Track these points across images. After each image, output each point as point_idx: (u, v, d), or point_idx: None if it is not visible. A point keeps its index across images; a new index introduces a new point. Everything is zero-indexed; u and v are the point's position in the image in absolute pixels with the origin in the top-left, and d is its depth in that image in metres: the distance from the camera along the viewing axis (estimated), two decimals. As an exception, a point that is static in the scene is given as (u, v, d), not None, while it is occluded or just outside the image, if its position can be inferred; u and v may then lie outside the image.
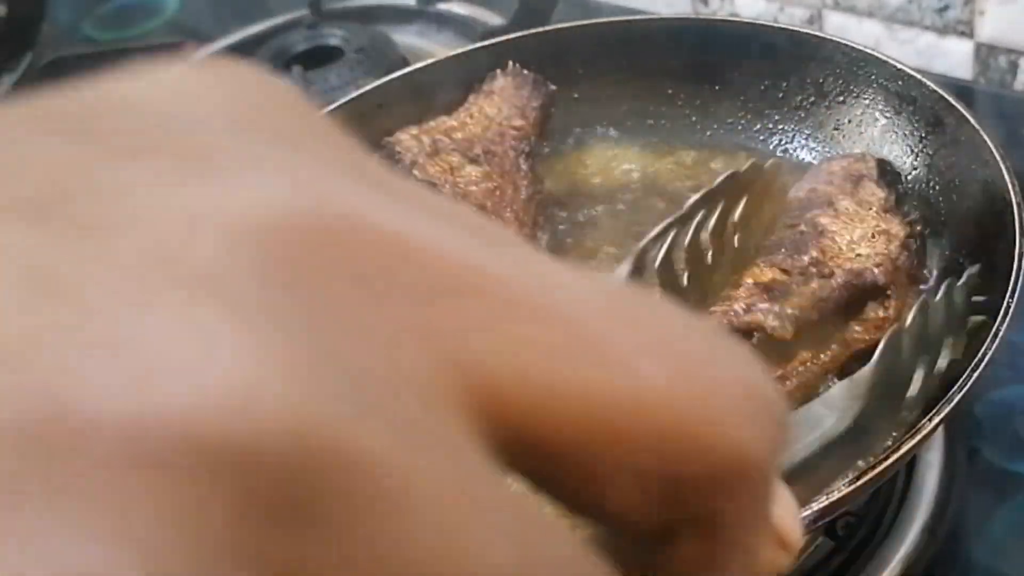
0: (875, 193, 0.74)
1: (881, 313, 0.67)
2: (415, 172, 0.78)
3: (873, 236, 0.69)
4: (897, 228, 0.70)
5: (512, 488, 0.15)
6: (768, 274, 0.66)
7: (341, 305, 0.13)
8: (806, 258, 0.67)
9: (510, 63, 0.89)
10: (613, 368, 0.16)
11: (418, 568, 0.13)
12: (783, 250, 0.68)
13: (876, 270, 0.67)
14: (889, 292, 0.67)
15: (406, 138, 0.82)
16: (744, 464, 0.17)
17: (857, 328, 0.67)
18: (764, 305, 0.64)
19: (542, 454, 0.16)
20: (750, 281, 0.66)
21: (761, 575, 0.22)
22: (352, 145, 0.17)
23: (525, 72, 0.88)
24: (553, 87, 0.90)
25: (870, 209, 0.72)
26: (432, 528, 0.13)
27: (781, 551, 0.22)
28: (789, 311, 0.65)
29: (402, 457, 0.13)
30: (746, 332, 0.64)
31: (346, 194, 0.14)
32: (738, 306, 0.65)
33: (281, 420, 0.12)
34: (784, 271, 0.66)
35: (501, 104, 0.85)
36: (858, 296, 0.67)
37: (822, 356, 0.66)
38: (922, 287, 0.70)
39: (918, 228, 0.72)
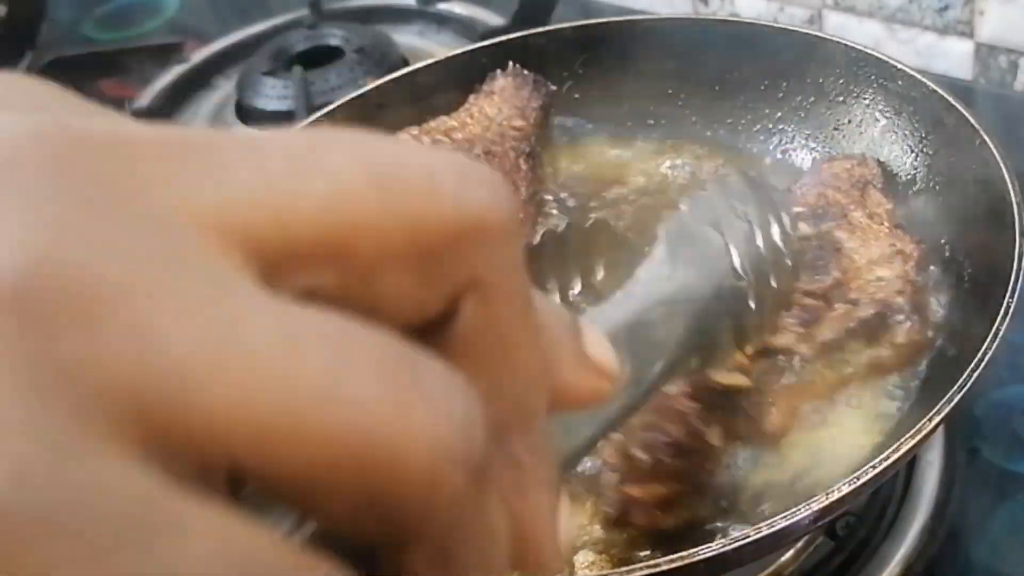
0: (882, 203, 0.74)
1: (910, 336, 0.68)
2: None
3: (891, 257, 0.70)
4: (911, 247, 0.71)
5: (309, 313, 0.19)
6: (802, 296, 0.66)
7: (95, 189, 0.18)
8: (828, 279, 0.68)
9: (510, 63, 0.88)
10: (323, 179, 0.20)
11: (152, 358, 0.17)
12: (805, 269, 0.68)
13: (900, 299, 0.67)
14: (915, 316, 0.68)
15: (407, 139, 0.82)
16: (473, 218, 0.21)
17: (886, 352, 0.68)
18: (797, 330, 0.65)
19: (310, 265, 0.20)
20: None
21: (587, 401, 0.27)
22: (67, 95, 0.22)
23: (525, 72, 0.88)
24: (553, 87, 0.90)
25: (882, 224, 0.72)
26: (152, 327, 0.17)
27: (601, 378, 0.27)
28: (816, 340, 0.66)
29: (120, 274, 0.17)
30: (774, 352, 0.65)
31: (74, 120, 0.19)
32: None
33: (16, 258, 0.16)
34: (808, 292, 0.67)
35: (501, 104, 0.85)
36: (886, 321, 0.68)
37: (852, 379, 0.67)
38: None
39: (923, 246, 0.72)
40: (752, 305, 0.47)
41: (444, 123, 0.84)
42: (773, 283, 0.48)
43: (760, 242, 0.48)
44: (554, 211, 0.85)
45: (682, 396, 0.61)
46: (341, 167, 0.20)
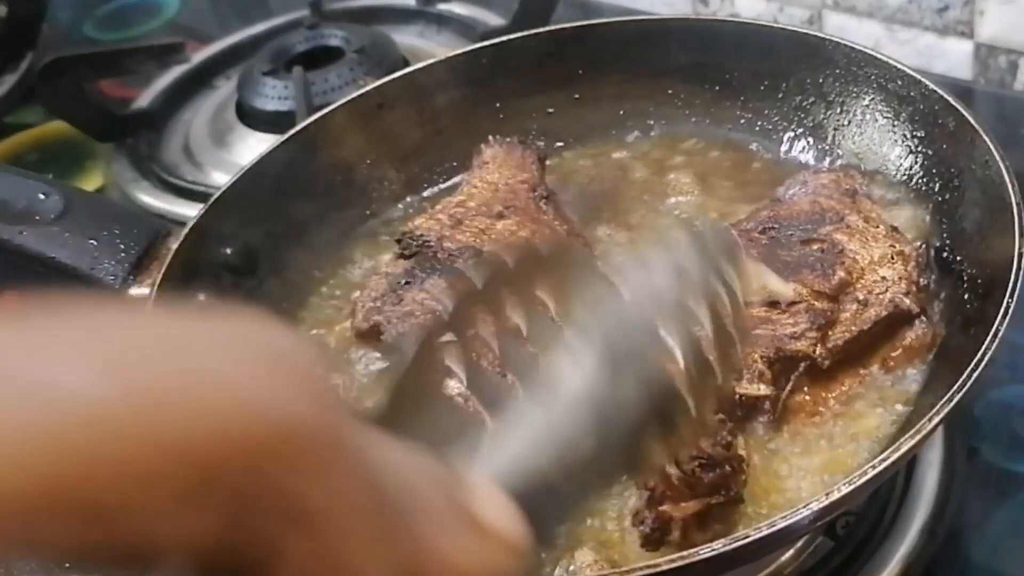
0: (874, 208, 0.75)
1: (919, 337, 0.68)
2: (446, 244, 0.76)
3: (892, 258, 0.70)
4: (908, 248, 0.71)
5: None
6: (813, 300, 0.67)
7: None
8: (835, 279, 0.68)
9: (490, 136, 0.87)
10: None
11: None
12: (810, 271, 0.69)
13: (907, 299, 0.68)
14: (922, 317, 0.68)
15: (422, 222, 0.80)
16: (267, 428, 0.16)
17: (896, 354, 0.68)
18: (813, 335, 0.65)
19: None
20: (800, 306, 0.66)
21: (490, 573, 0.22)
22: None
23: (509, 139, 0.87)
24: (540, 143, 0.89)
25: (878, 227, 0.72)
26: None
27: (503, 548, 0.22)
28: (831, 344, 0.66)
29: None
30: (792, 359, 0.65)
31: None
32: (786, 332, 0.65)
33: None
34: (817, 292, 0.67)
35: (498, 170, 0.84)
36: (894, 322, 0.68)
37: (866, 380, 0.67)
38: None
39: (922, 246, 0.72)
40: (691, 408, 0.44)
41: (451, 201, 0.82)
42: (718, 380, 0.46)
43: (709, 330, 0.45)
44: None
45: (708, 410, 0.61)
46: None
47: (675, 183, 0.87)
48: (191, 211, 0.83)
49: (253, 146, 1.07)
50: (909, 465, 0.74)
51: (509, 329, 0.44)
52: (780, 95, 0.88)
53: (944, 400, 0.57)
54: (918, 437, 0.56)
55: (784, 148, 0.88)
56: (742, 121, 0.89)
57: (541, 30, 0.94)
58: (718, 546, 0.52)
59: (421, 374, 0.42)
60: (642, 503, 0.59)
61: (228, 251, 0.80)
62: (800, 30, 0.89)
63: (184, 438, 0.16)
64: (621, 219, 0.84)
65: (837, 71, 0.84)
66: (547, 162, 0.87)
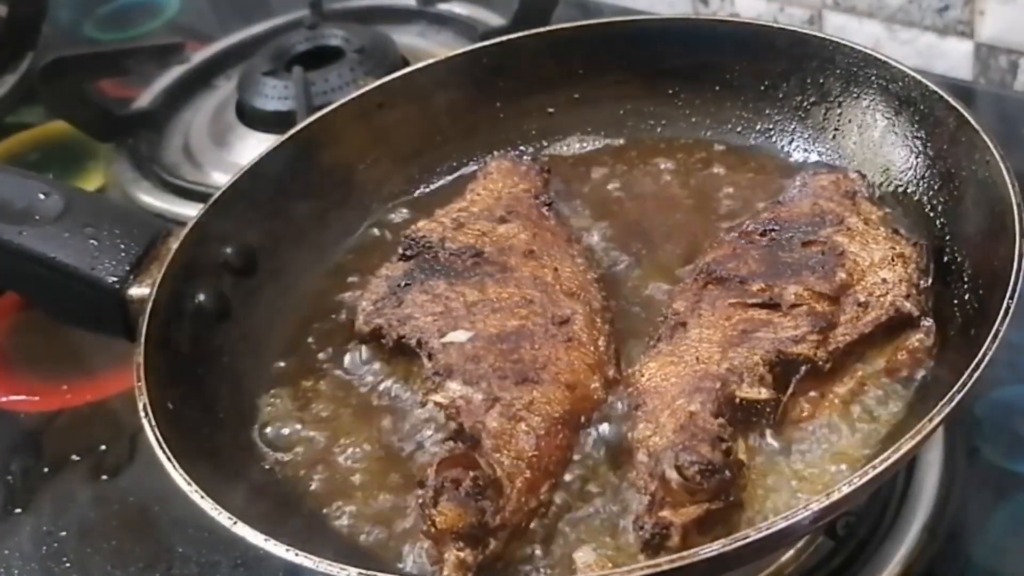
0: (873, 211, 0.75)
1: (919, 338, 0.68)
2: (447, 244, 0.77)
3: (892, 260, 0.70)
4: (909, 250, 0.71)
5: None
6: (813, 302, 0.67)
7: None
8: (836, 282, 0.68)
9: (495, 152, 0.88)
10: None
11: None
12: (811, 273, 0.69)
13: (908, 302, 0.68)
14: (923, 319, 0.68)
15: (424, 224, 0.80)
16: None
17: (896, 355, 0.68)
18: (814, 337, 0.65)
19: None
20: (801, 308, 0.67)
21: None
22: None
23: (514, 153, 0.88)
24: (545, 158, 0.90)
25: (878, 229, 0.73)
26: None
27: None
28: (832, 346, 0.66)
29: None
30: (793, 362, 0.65)
31: None
32: (787, 335, 0.65)
33: None
34: (818, 294, 0.67)
35: (502, 180, 0.85)
36: (895, 324, 0.68)
37: (869, 383, 0.67)
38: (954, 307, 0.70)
39: (922, 248, 0.72)
40: None
41: (454, 207, 0.83)
42: None
43: None
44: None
45: (708, 414, 0.61)
46: None
47: (675, 183, 0.87)
48: (191, 211, 0.83)
49: (253, 146, 1.07)
50: (909, 465, 0.74)
51: None
52: (780, 95, 0.88)
53: (944, 400, 0.57)
54: (918, 437, 0.56)
55: (784, 149, 0.88)
56: (742, 121, 0.89)
57: (541, 30, 0.94)
58: (719, 546, 0.52)
59: None
60: (642, 508, 0.59)
61: (228, 251, 0.80)
62: (800, 30, 0.89)
63: None
64: (620, 220, 0.84)
65: (837, 71, 0.84)
66: (546, 161, 0.88)
